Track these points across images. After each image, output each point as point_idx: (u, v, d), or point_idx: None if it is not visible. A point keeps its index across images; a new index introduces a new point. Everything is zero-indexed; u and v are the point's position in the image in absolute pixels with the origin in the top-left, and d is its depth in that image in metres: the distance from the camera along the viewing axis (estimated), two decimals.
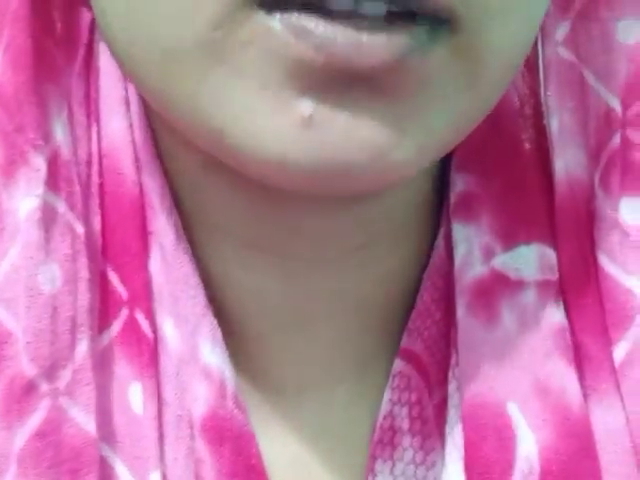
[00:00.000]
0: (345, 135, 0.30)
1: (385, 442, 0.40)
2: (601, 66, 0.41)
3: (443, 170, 0.42)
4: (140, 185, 0.39)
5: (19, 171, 0.37)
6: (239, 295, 0.40)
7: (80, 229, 0.38)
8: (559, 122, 0.41)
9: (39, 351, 0.36)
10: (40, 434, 0.35)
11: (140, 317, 0.38)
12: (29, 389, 0.35)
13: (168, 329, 0.38)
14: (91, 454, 0.36)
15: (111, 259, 0.38)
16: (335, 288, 0.40)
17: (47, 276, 0.36)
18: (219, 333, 0.39)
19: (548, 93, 0.41)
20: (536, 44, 0.41)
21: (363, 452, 0.40)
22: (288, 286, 0.40)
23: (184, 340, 0.38)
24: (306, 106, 0.30)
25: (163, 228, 0.39)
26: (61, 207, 0.37)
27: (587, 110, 0.41)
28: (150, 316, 0.38)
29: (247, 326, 0.41)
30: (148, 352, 0.37)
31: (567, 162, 0.40)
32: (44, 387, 0.36)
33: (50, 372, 0.36)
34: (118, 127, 0.39)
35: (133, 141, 0.39)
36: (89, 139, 0.39)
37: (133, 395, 0.37)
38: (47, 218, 0.37)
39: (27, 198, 0.37)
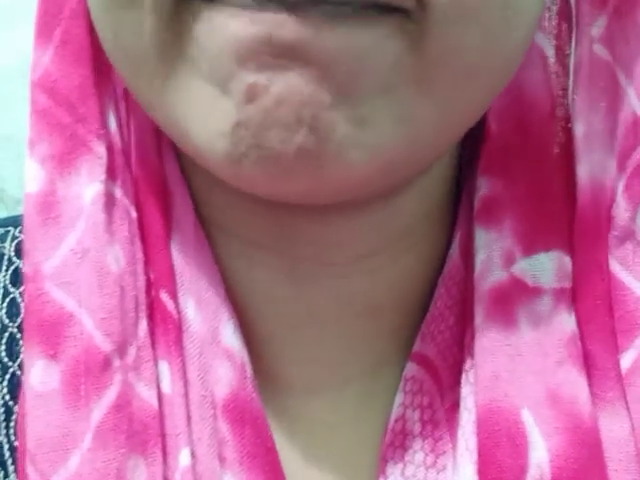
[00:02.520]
0: (280, 97, 0.32)
1: (396, 445, 0.40)
2: (633, 70, 0.40)
3: (459, 174, 0.43)
4: (163, 173, 0.41)
5: (81, 159, 0.39)
6: (249, 295, 0.41)
7: (134, 214, 0.40)
8: (587, 125, 0.40)
9: (112, 328, 0.37)
10: (117, 407, 0.36)
11: (165, 297, 0.39)
12: (105, 364, 0.37)
13: (190, 311, 0.39)
14: (156, 427, 0.37)
15: (141, 239, 0.40)
16: (345, 291, 0.41)
17: (113, 256, 0.38)
18: (237, 320, 0.40)
19: (575, 96, 0.41)
20: (570, 42, 0.41)
21: (372, 454, 0.41)
22: (297, 287, 0.41)
23: (206, 322, 0.39)
24: (247, 78, 0.32)
25: (183, 214, 0.40)
26: (118, 193, 0.40)
27: (617, 114, 0.41)
28: (174, 297, 0.39)
29: (257, 326, 0.41)
30: (174, 331, 0.38)
31: (592, 167, 0.40)
32: (117, 363, 0.37)
33: (121, 348, 0.37)
34: (144, 121, 0.41)
35: (156, 134, 0.41)
36: (129, 130, 0.41)
37: (162, 373, 0.38)
38: (109, 203, 0.39)
39: (92, 184, 0.39)
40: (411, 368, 0.41)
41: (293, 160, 0.33)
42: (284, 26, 0.31)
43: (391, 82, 0.33)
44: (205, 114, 0.33)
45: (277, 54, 0.32)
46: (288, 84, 0.32)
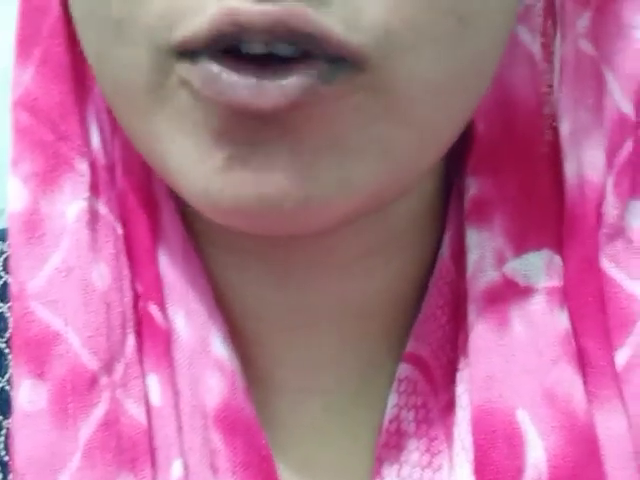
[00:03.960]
0: (259, 175, 0.33)
1: (391, 445, 0.40)
2: (617, 65, 0.40)
3: (448, 174, 0.43)
4: (150, 185, 0.40)
5: (64, 177, 0.39)
6: (239, 299, 0.41)
7: (119, 230, 0.39)
8: (573, 122, 0.40)
9: (99, 345, 0.37)
10: (105, 425, 0.36)
11: (153, 309, 0.39)
12: (92, 383, 0.37)
13: (179, 322, 0.39)
14: (145, 443, 0.37)
15: (128, 254, 0.40)
16: (336, 293, 0.41)
17: (98, 273, 0.38)
18: (226, 329, 0.39)
19: (560, 94, 0.40)
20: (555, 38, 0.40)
21: (366, 455, 0.41)
22: (289, 290, 0.40)
23: (195, 332, 0.39)
24: (226, 149, 0.33)
25: (170, 226, 0.40)
26: (102, 209, 0.40)
27: (603, 110, 0.41)
28: (163, 308, 0.39)
29: (248, 330, 0.41)
30: (163, 343, 0.38)
31: (580, 164, 0.40)
32: (104, 380, 0.37)
33: (108, 366, 0.37)
34: None
35: None
36: (113, 145, 0.41)
37: (151, 386, 0.38)
38: (93, 220, 0.39)
39: (75, 202, 0.39)
40: (404, 368, 0.41)
41: (273, 220, 0.34)
42: (261, 96, 0.31)
43: (365, 126, 0.33)
44: (185, 169, 0.34)
45: (254, 126, 0.32)
46: (267, 159, 0.32)
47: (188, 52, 0.32)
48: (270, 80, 0.31)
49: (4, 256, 0.42)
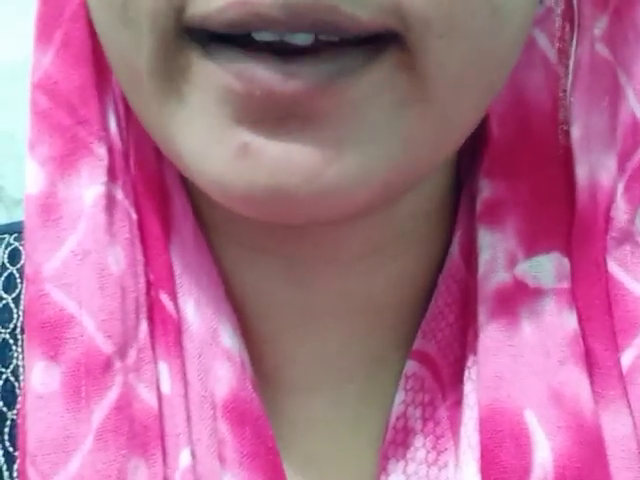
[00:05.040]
0: (278, 162, 0.32)
1: (398, 442, 0.40)
2: (633, 71, 0.40)
3: (458, 174, 0.43)
4: (162, 175, 0.40)
5: (81, 161, 0.39)
6: (247, 295, 0.41)
7: (134, 215, 0.39)
8: (585, 126, 0.40)
9: (114, 329, 0.37)
10: (118, 408, 0.36)
11: (164, 298, 0.39)
12: (107, 366, 0.37)
13: (190, 311, 0.39)
14: (156, 428, 0.37)
15: (141, 241, 0.40)
16: (343, 290, 0.41)
17: (114, 258, 0.38)
18: (236, 322, 0.39)
19: (572, 98, 0.41)
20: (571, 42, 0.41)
21: (372, 451, 0.41)
22: (297, 287, 0.41)
23: (205, 323, 0.39)
24: (242, 135, 0.32)
25: (182, 217, 0.40)
26: (119, 194, 0.39)
27: (617, 114, 0.41)
28: (174, 298, 0.39)
29: (256, 326, 0.41)
30: (173, 332, 0.38)
31: (592, 168, 0.40)
32: (118, 364, 0.37)
33: (122, 350, 0.37)
34: None
35: None
36: (128, 133, 0.40)
37: (161, 374, 0.38)
38: (110, 204, 0.39)
39: (93, 186, 0.39)
40: (412, 366, 0.41)
41: (287, 208, 0.33)
42: (285, 83, 0.31)
43: (395, 110, 0.33)
44: (198, 154, 0.34)
45: (274, 112, 0.32)
46: (287, 149, 0.32)
47: (198, 35, 0.32)
48: (298, 65, 0.31)
49: (10, 248, 0.42)
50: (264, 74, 0.31)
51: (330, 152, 0.32)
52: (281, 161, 0.32)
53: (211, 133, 0.33)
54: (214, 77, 0.32)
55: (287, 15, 0.30)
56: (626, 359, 0.39)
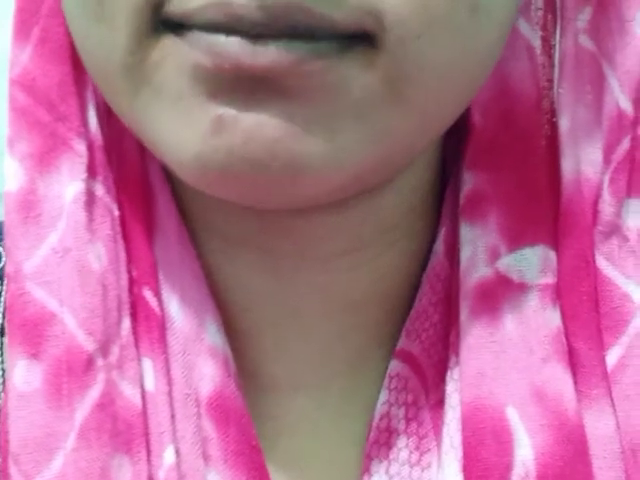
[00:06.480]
0: (250, 132, 0.32)
1: (381, 442, 0.40)
2: (617, 62, 0.40)
3: (444, 169, 0.43)
4: (145, 170, 0.41)
5: (61, 158, 0.39)
6: (231, 292, 0.41)
7: (116, 212, 0.39)
8: (572, 118, 0.40)
9: (95, 327, 0.37)
10: (100, 406, 0.36)
11: (148, 294, 0.39)
12: (88, 364, 0.37)
13: (174, 308, 0.39)
14: (140, 426, 0.37)
15: (123, 237, 0.40)
16: (326, 287, 0.41)
17: (95, 255, 0.38)
18: (220, 318, 0.39)
19: (560, 90, 0.40)
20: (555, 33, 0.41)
21: (356, 450, 0.41)
22: (279, 284, 0.41)
23: (189, 319, 0.39)
24: (216, 109, 0.32)
25: (165, 212, 0.40)
26: (100, 191, 0.39)
27: (602, 106, 0.41)
28: (157, 294, 0.39)
29: (240, 323, 0.41)
30: (157, 329, 0.38)
31: (578, 161, 0.40)
32: (100, 362, 0.37)
33: (104, 347, 0.37)
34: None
35: None
36: (110, 128, 0.41)
37: (145, 371, 0.38)
38: (90, 201, 0.39)
39: (73, 183, 0.39)
40: (395, 365, 0.41)
41: (262, 186, 0.34)
42: (255, 57, 0.31)
43: (365, 106, 0.33)
44: (171, 139, 0.34)
45: (245, 84, 0.32)
46: (258, 119, 0.32)
47: (175, 25, 0.33)
48: (269, 41, 0.31)
49: None
50: (233, 48, 0.32)
51: (297, 128, 0.32)
52: (253, 131, 0.32)
53: (187, 114, 0.33)
54: (186, 57, 0.32)
55: (262, 17, 0.31)
56: (611, 358, 0.39)
